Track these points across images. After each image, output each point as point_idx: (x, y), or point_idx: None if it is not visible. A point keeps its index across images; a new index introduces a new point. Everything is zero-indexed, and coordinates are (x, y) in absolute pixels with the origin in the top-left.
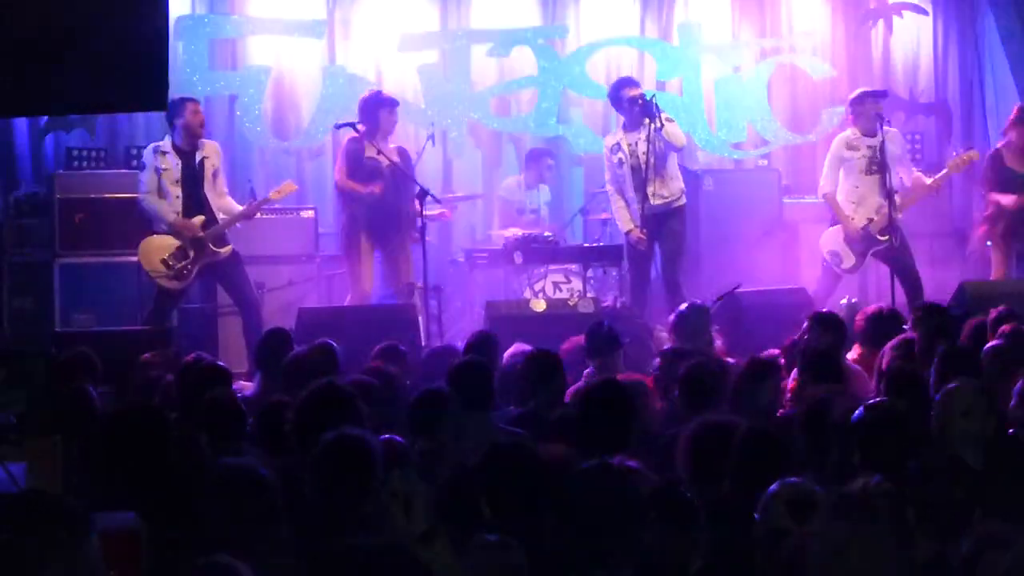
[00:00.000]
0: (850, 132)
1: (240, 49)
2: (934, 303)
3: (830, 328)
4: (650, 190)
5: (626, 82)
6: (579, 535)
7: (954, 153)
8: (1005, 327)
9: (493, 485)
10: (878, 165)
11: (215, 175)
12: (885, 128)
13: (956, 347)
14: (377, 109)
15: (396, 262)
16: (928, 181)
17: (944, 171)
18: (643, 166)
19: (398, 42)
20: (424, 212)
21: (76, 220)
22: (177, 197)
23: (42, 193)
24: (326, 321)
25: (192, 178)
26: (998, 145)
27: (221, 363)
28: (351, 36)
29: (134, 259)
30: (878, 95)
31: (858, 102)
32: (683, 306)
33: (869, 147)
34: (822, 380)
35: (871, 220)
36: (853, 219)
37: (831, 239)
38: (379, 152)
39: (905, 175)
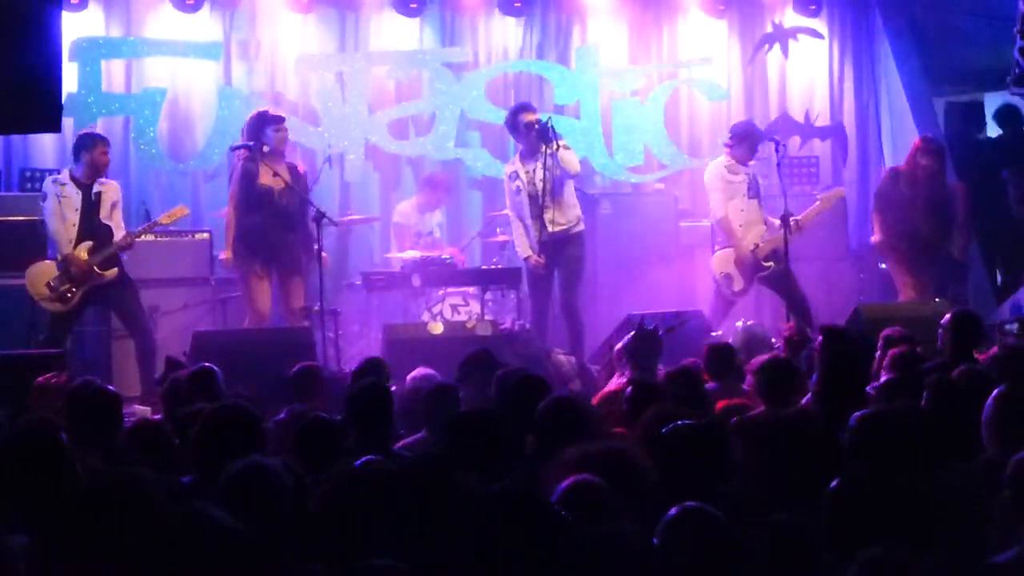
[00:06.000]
0: (726, 160)
1: (135, 70)
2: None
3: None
4: (548, 217)
5: (522, 107)
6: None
7: (817, 195)
8: (894, 350)
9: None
10: (755, 191)
11: (113, 207)
12: (750, 163)
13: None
14: (263, 127)
15: (289, 285)
16: (797, 218)
17: (816, 204)
18: (540, 194)
19: (295, 64)
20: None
21: None
22: (74, 224)
23: None
24: (221, 345)
25: (89, 207)
26: (899, 167)
27: (111, 388)
28: (248, 57)
29: None
30: (764, 136)
31: (744, 136)
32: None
33: (746, 174)
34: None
35: (757, 246)
36: (743, 242)
37: (722, 261)
38: (275, 174)
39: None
